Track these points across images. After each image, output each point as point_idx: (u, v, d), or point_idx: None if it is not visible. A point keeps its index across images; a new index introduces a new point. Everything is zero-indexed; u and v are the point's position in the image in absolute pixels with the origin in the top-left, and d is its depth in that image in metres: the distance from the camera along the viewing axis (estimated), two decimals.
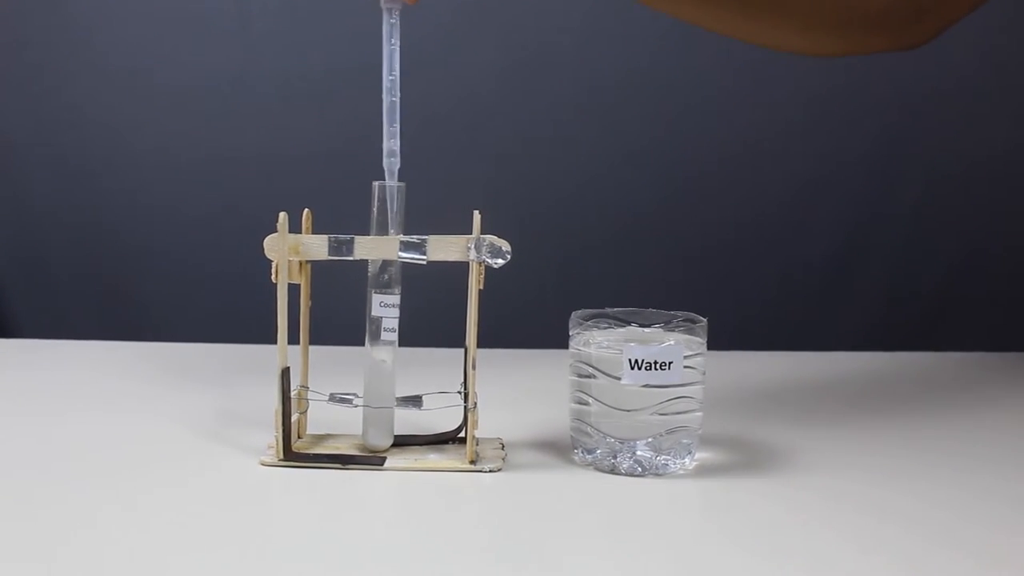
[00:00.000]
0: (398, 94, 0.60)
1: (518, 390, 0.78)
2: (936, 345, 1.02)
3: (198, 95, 1.16)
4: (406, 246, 0.58)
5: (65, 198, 1.18)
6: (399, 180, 0.60)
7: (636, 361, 0.56)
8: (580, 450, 0.60)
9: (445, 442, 0.63)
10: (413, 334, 0.96)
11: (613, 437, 0.58)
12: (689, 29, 1.14)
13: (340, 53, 1.14)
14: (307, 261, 0.61)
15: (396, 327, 0.60)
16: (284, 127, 1.16)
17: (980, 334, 1.15)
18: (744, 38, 0.79)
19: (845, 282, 1.19)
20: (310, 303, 0.62)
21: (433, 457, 0.60)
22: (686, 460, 0.59)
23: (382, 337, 0.60)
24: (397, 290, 0.60)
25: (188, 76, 1.16)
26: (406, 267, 0.59)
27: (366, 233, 0.59)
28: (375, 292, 0.60)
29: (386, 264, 0.60)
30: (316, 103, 1.15)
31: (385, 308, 0.60)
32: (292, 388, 0.60)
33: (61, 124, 1.17)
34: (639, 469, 0.58)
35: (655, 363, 0.56)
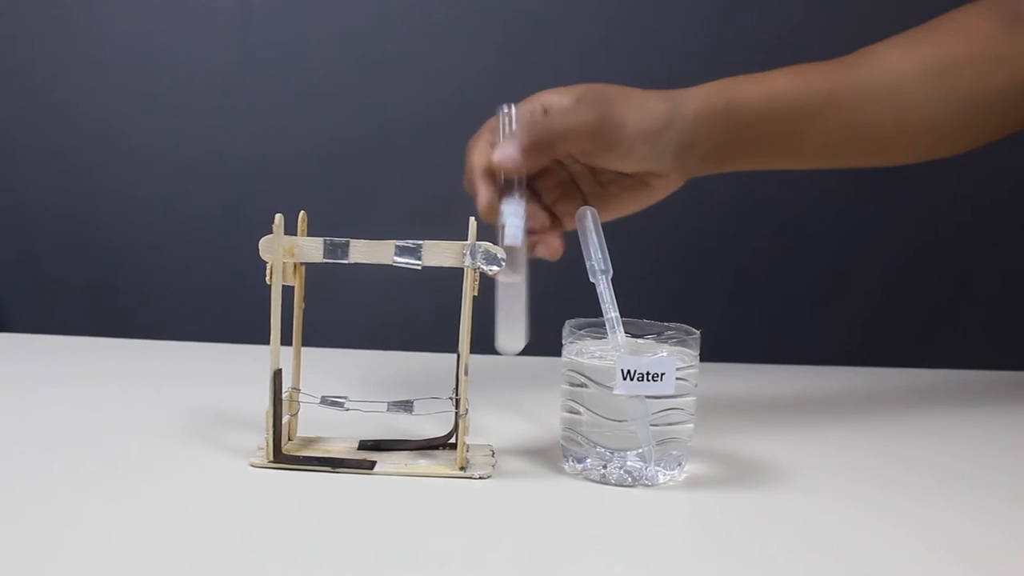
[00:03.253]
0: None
1: (510, 397, 0.78)
2: (927, 362, 1.02)
3: (194, 93, 1.16)
4: (401, 251, 0.58)
5: (59, 195, 1.18)
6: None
7: (628, 372, 0.56)
8: (571, 459, 0.60)
9: (435, 448, 0.62)
10: (406, 339, 0.96)
11: (604, 447, 0.58)
12: (689, 43, 1.14)
13: (339, 53, 1.14)
14: (302, 263, 0.61)
15: (519, 231, 0.62)
16: (281, 128, 1.15)
17: (971, 352, 1.15)
18: (863, 166, 0.82)
19: (838, 297, 1.19)
20: (303, 305, 0.62)
21: (423, 463, 0.60)
22: (676, 471, 0.59)
23: (506, 241, 0.61)
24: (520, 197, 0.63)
25: (185, 74, 1.16)
26: (401, 270, 0.59)
27: (361, 236, 0.59)
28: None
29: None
30: (314, 104, 1.15)
31: (509, 217, 0.62)
32: (284, 390, 0.60)
33: (55, 120, 1.16)
34: (629, 479, 0.58)
35: (647, 374, 0.56)
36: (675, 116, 0.67)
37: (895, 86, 0.72)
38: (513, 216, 0.62)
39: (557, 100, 0.66)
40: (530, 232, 0.66)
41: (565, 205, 0.70)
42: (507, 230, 0.62)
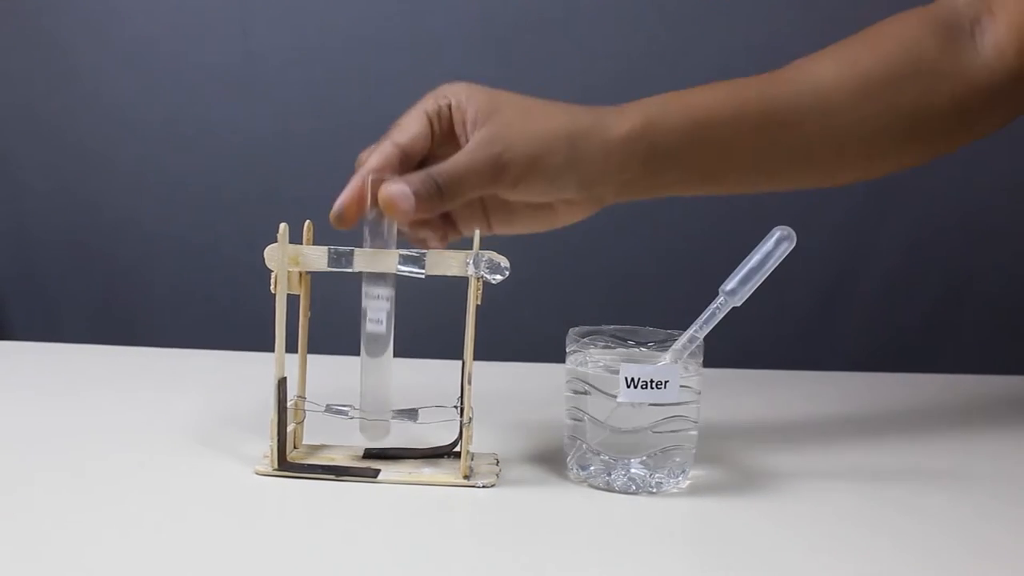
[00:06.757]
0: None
1: (514, 405, 0.78)
2: (929, 367, 1.02)
3: (198, 101, 1.16)
4: (405, 260, 0.58)
5: (61, 201, 1.18)
6: None
7: (632, 380, 0.56)
8: (575, 467, 0.60)
9: (440, 456, 0.62)
10: (410, 346, 0.96)
11: (608, 454, 0.58)
12: (687, 44, 1.14)
13: (342, 62, 1.14)
14: (307, 272, 0.61)
15: (384, 319, 0.59)
16: (286, 136, 1.16)
17: (972, 357, 1.16)
18: (801, 187, 0.74)
19: (841, 302, 1.19)
20: (309, 314, 0.62)
21: (427, 471, 0.60)
22: (680, 479, 0.59)
23: (367, 329, 0.59)
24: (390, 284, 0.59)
25: (188, 82, 1.16)
26: (406, 278, 0.59)
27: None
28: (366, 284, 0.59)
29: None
30: (318, 113, 1.15)
31: (371, 300, 0.59)
32: (289, 398, 0.60)
33: (57, 129, 1.17)
34: (633, 487, 0.58)
35: (651, 382, 0.57)
36: (581, 147, 0.61)
37: (829, 104, 0.67)
38: (377, 299, 0.59)
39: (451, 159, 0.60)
40: (421, 228, 0.62)
41: (462, 210, 0.64)
42: (370, 313, 0.59)
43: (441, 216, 0.64)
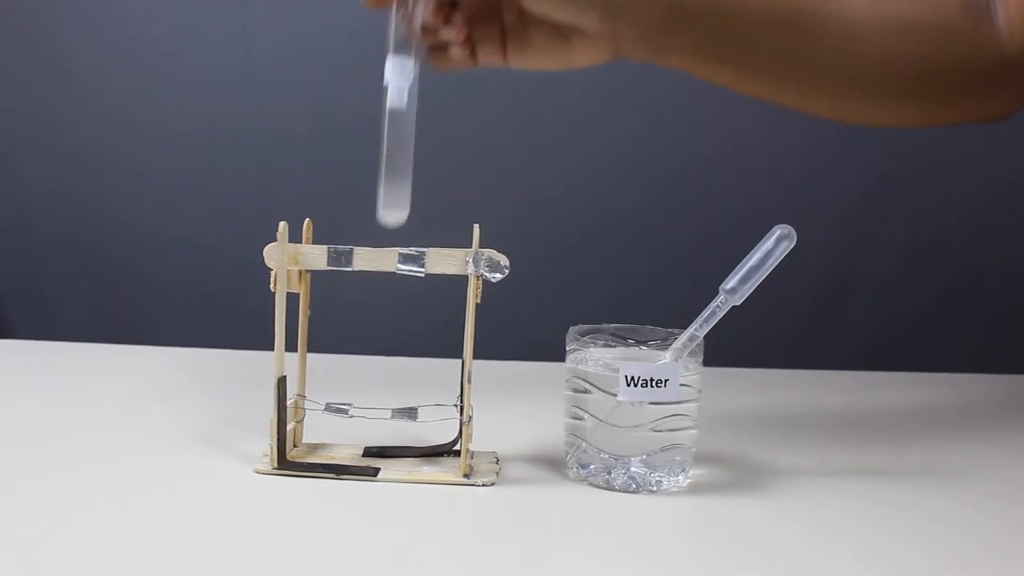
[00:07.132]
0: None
1: (514, 403, 0.78)
2: (929, 366, 1.02)
3: (198, 101, 1.16)
4: (404, 258, 0.58)
5: (61, 203, 1.18)
6: None
7: (632, 378, 0.56)
8: (575, 465, 0.60)
9: (440, 455, 0.63)
10: (410, 344, 0.96)
11: (607, 453, 0.58)
12: None
13: (341, 60, 1.14)
14: (306, 271, 0.61)
15: (403, 94, 0.59)
16: (286, 134, 1.16)
17: (972, 356, 1.16)
18: (804, 109, 0.74)
19: (841, 301, 1.19)
20: (308, 312, 0.63)
21: (427, 470, 0.60)
22: (679, 477, 0.59)
23: (389, 104, 0.58)
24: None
25: (188, 80, 1.16)
26: (406, 276, 0.59)
27: (366, 243, 0.59)
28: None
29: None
30: (318, 111, 1.15)
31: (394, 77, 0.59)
32: (289, 397, 0.60)
33: (57, 129, 1.17)
34: (633, 485, 0.58)
35: (651, 380, 0.57)
36: None
37: (852, 29, 0.68)
38: (398, 75, 0.58)
39: None
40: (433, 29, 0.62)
41: (481, 29, 0.65)
42: (391, 92, 0.58)
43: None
